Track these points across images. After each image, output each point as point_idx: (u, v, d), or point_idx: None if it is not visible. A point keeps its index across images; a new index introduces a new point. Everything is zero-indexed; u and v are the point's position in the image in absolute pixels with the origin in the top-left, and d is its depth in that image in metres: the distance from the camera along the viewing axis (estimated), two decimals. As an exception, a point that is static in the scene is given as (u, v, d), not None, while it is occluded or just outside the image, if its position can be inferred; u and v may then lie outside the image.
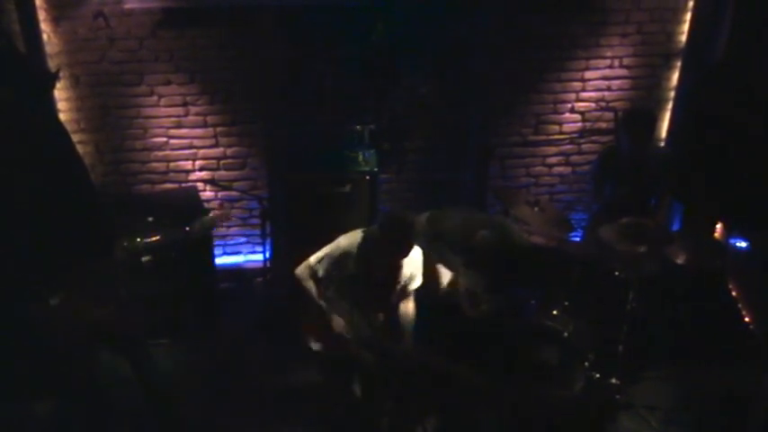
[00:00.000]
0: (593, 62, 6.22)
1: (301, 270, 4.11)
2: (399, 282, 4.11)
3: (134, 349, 4.43)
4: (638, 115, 5.33)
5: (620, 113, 5.88)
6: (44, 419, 4.58)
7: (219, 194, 6.39)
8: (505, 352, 4.62)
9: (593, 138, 6.43)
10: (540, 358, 4.77)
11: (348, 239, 4.02)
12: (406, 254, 3.95)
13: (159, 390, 4.66)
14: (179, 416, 4.69)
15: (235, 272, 6.50)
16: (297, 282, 4.14)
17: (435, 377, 4.09)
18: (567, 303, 4.89)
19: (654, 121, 5.36)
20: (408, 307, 4.25)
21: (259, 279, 6.18)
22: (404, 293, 4.20)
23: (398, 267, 4.08)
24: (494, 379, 4.51)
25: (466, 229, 4.42)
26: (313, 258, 4.09)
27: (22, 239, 4.57)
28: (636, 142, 5.14)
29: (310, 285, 4.09)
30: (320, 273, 4.06)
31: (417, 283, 4.22)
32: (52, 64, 5.64)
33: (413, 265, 4.14)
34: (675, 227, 6.41)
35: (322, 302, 4.12)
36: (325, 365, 4.31)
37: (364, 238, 4.00)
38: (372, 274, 4.01)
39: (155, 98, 6.00)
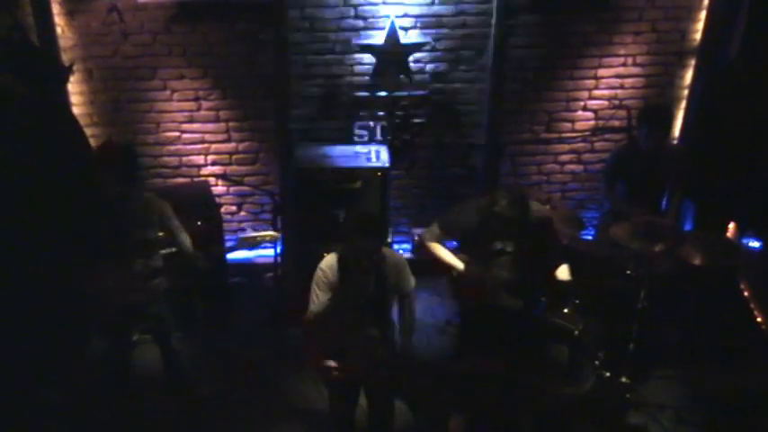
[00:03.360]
0: (606, 60, 6.19)
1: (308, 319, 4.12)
2: (387, 291, 4.05)
3: (163, 331, 4.69)
4: (657, 111, 5.30)
5: (633, 111, 5.85)
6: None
7: (231, 189, 6.41)
8: (520, 350, 4.62)
9: (606, 136, 6.40)
10: (550, 356, 4.77)
11: (326, 261, 3.99)
12: (374, 245, 3.87)
13: (182, 375, 4.78)
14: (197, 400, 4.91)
15: (246, 267, 6.51)
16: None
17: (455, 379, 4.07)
18: (577, 301, 4.87)
19: (672, 118, 5.34)
20: (407, 314, 4.20)
21: (270, 274, 6.18)
22: (400, 300, 4.15)
23: (382, 274, 4.01)
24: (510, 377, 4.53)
25: (483, 210, 4.39)
26: (312, 305, 4.03)
27: (33, 229, 4.65)
28: (653, 138, 5.11)
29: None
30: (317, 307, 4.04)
31: (409, 286, 4.18)
32: (66, 58, 5.68)
33: (396, 270, 4.08)
34: (688, 226, 6.39)
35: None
36: (330, 385, 4.29)
37: (338, 253, 3.97)
38: (357, 287, 3.96)
39: (167, 92, 6.02)
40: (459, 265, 4.59)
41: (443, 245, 4.68)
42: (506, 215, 4.17)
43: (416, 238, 4.71)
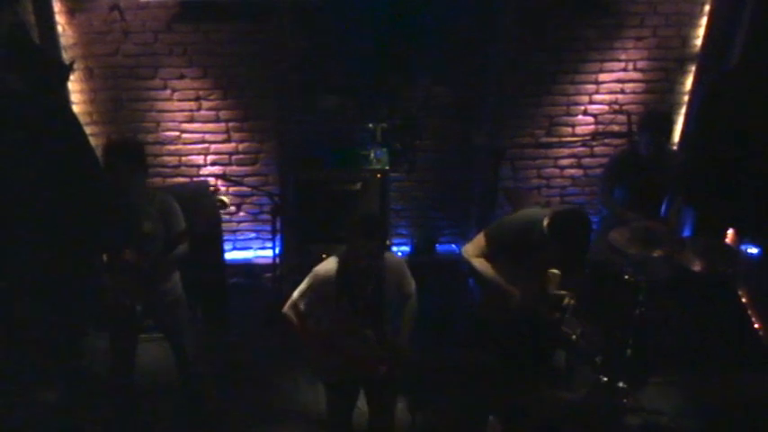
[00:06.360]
0: (607, 65, 6.20)
1: (287, 309, 4.00)
2: (387, 294, 4.05)
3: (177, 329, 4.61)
4: (657, 116, 5.31)
5: (633, 117, 5.86)
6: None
7: (230, 189, 6.40)
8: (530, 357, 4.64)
9: (606, 140, 6.41)
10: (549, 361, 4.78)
11: (324, 266, 3.97)
12: (375, 246, 3.86)
13: (193, 372, 4.72)
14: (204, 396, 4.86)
15: (245, 267, 6.51)
16: (285, 322, 4.08)
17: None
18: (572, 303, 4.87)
19: (672, 124, 5.36)
20: (408, 315, 4.22)
21: (269, 275, 6.18)
22: (401, 300, 4.14)
23: (381, 277, 4.00)
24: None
25: (535, 225, 4.26)
26: (296, 293, 3.98)
27: (32, 229, 4.63)
28: (653, 144, 5.12)
29: (295, 324, 4.02)
30: (302, 307, 3.97)
31: (411, 288, 4.18)
32: (66, 56, 5.67)
33: (396, 273, 4.07)
34: (687, 232, 6.39)
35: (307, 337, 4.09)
36: (329, 386, 4.28)
37: (339, 256, 3.96)
38: (356, 290, 3.96)
39: (168, 92, 6.01)
40: (511, 288, 4.40)
41: (487, 259, 4.44)
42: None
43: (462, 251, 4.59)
